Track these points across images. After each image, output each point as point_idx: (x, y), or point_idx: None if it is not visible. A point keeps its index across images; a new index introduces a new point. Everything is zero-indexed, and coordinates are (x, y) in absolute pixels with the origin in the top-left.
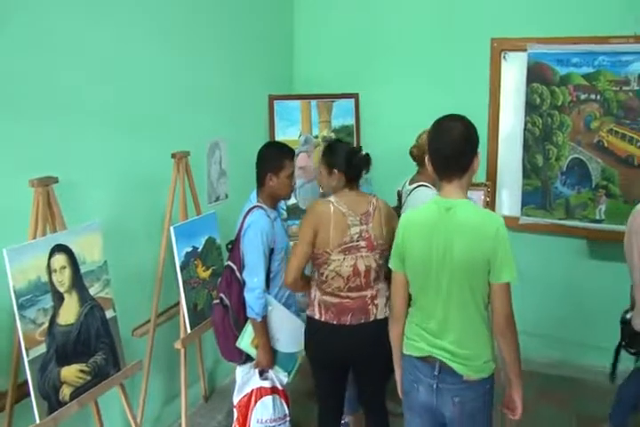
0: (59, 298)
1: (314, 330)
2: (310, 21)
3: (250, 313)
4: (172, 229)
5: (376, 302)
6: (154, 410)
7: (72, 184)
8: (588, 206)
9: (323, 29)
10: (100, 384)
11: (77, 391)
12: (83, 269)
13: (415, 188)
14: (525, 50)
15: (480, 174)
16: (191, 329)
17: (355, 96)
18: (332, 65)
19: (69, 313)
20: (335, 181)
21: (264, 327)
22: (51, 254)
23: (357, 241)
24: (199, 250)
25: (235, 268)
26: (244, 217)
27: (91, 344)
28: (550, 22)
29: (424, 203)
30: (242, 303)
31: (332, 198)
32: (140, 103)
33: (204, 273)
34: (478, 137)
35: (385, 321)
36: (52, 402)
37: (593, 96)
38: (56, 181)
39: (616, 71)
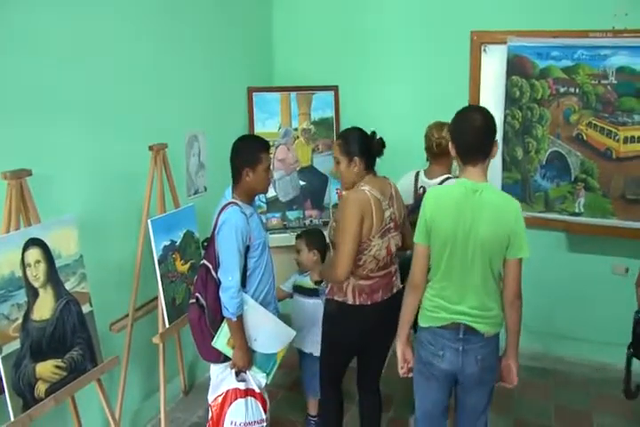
0: (33, 293)
1: (346, 315)
2: (290, 13)
3: (225, 313)
4: (149, 222)
5: (396, 275)
6: (132, 405)
7: (46, 177)
8: (567, 199)
9: (302, 21)
10: (76, 380)
11: (53, 387)
12: (58, 264)
13: (446, 179)
14: (505, 43)
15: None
16: (169, 323)
17: (334, 88)
18: (311, 57)
19: (44, 308)
20: (357, 169)
21: (240, 327)
22: (25, 248)
23: (389, 223)
24: (177, 244)
25: (210, 267)
26: (218, 214)
27: (67, 340)
28: (530, 15)
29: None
30: (218, 303)
31: (364, 187)
32: (117, 95)
33: (182, 267)
34: (496, 126)
35: (402, 290)
36: (27, 399)
37: (572, 89)
38: (30, 173)
39: (595, 65)
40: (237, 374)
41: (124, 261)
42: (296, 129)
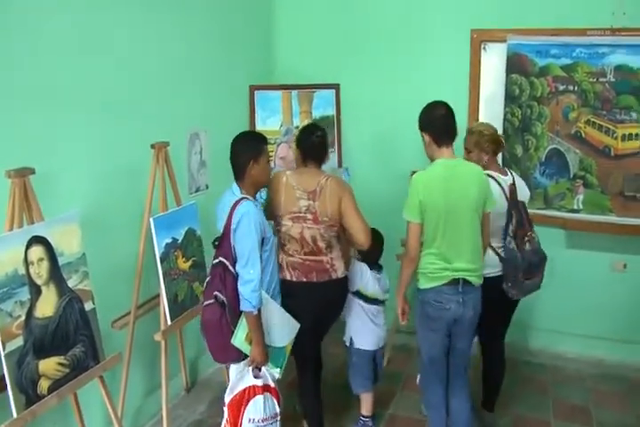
0: (36, 290)
1: (287, 290)
2: (291, 11)
3: (247, 306)
4: (151, 220)
5: (335, 266)
6: (135, 402)
7: (49, 175)
8: (566, 196)
9: (303, 20)
10: (79, 377)
11: (56, 384)
12: (61, 261)
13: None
14: (505, 41)
15: None
16: (172, 321)
17: (336, 87)
18: (312, 55)
19: (47, 306)
20: (296, 158)
21: (259, 321)
22: (28, 246)
23: (305, 213)
24: (179, 241)
25: (227, 263)
26: (232, 210)
27: (69, 337)
28: (529, 14)
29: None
30: (239, 298)
31: (288, 172)
32: (119, 93)
33: (184, 264)
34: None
35: (345, 281)
36: (30, 396)
37: (571, 87)
38: (33, 172)
39: (593, 63)
40: (254, 370)
41: (127, 259)
42: (297, 127)
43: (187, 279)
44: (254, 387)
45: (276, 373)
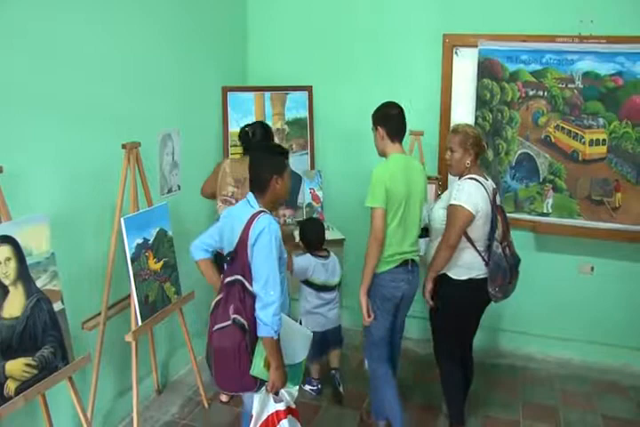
0: (3, 291)
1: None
2: (264, 13)
3: (266, 332)
4: (122, 220)
5: None
6: (105, 404)
7: (18, 174)
8: (536, 200)
9: (276, 21)
10: (47, 378)
11: (23, 386)
12: (29, 261)
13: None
14: (477, 46)
15: (432, 168)
16: (142, 322)
17: (308, 89)
18: (285, 57)
19: (14, 306)
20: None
21: (279, 344)
22: None
23: (231, 198)
24: (150, 242)
25: (246, 282)
26: (249, 223)
27: (37, 337)
28: (501, 19)
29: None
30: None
31: (228, 160)
32: (90, 93)
33: (155, 265)
34: None
35: None
36: None
37: (541, 93)
38: (0, 170)
39: (562, 69)
40: (275, 394)
41: (97, 259)
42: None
43: (158, 280)
44: (277, 412)
45: (295, 391)
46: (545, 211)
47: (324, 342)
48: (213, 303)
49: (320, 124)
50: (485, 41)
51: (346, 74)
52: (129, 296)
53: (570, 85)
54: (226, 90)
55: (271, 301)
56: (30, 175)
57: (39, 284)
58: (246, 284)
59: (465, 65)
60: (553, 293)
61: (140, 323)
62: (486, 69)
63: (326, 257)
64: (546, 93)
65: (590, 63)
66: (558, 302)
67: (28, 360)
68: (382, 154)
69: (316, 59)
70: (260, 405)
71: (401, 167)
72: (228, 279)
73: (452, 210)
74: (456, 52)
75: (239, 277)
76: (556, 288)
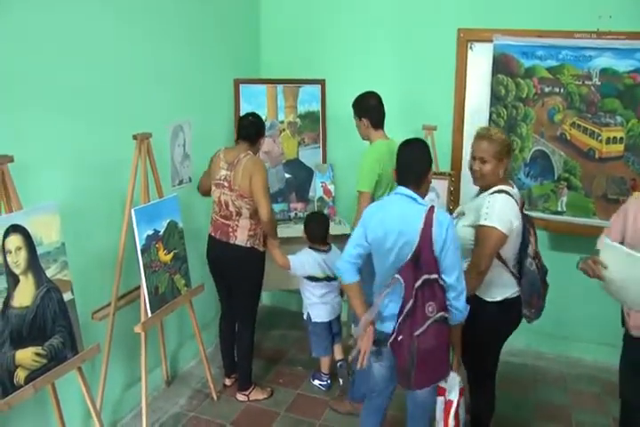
0: (14, 280)
1: (208, 241)
2: (278, 6)
3: (462, 318)
4: (133, 211)
5: (236, 233)
6: (114, 394)
7: (29, 164)
8: (550, 198)
9: (290, 15)
10: (56, 368)
11: (33, 375)
12: (39, 251)
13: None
14: (492, 41)
15: (444, 163)
16: (152, 313)
17: (321, 82)
18: (298, 50)
19: (25, 295)
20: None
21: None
22: (5, 235)
23: (222, 181)
24: (160, 233)
25: (438, 277)
26: (429, 219)
27: (47, 327)
28: (517, 14)
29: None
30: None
31: (223, 148)
32: (102, 83)
33: (165, 257)
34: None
35: (244, 250)
36: (6, 386)
37: (557, 89)
38: (11, 160)
39: (579, 66)
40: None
41: (107, 250)
42: (282, 122)
43: (168, 271)
44: (461, 388)
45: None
46: (559, 209)
47: (331, 332)
48: (405, 311)
49: (332, 118)
50: (501, 36)
51: (359, 68)
52: (139, 287)
53: (587, 82)
54: (238, 82)
55: (462, 288)
56: (41, 165)
57: (49, 274)
58: (440, 280)
59: (480, 60)
60: (564, 292)
61: (149, 314)
62: (501, 65)
63: (327, 251)
64: (562, 90)
65: (608, 60)
66: (570, 302)
67: (38, 350)
68: (366, 139)
69: (330, 53)
70: (450, 385)
71: (388, 151)
72: (427, 277)
73: (483, 232)
74: (471, 47)
75: (434, 275)
76: (569, 288)
